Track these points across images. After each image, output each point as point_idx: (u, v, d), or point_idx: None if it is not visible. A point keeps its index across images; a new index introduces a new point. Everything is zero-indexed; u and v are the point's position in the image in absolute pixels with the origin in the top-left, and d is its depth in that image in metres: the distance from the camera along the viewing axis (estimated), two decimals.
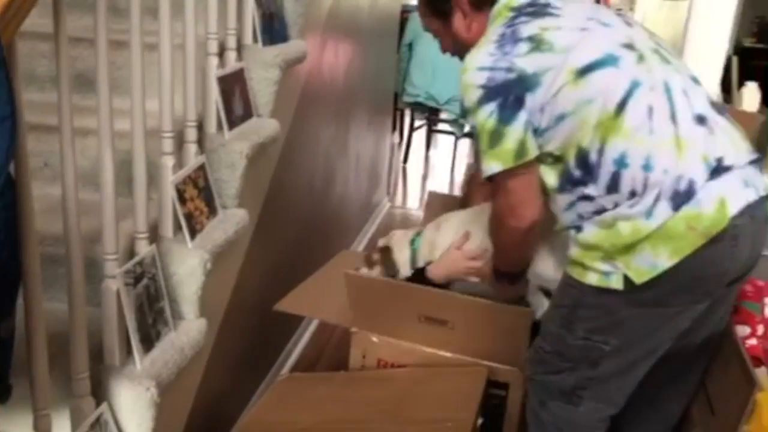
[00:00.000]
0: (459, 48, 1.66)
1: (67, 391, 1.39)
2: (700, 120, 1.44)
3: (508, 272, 1.78)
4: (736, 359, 1.56)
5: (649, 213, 1.39)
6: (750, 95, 2.64)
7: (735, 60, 2.83)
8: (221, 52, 1.95)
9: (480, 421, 1.82)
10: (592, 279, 1.46)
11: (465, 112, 1.52)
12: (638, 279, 1.41)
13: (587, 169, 1.45)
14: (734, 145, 1.46)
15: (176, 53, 1.71)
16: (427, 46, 5.32)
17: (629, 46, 1.46)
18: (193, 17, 1.75)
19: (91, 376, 1.39)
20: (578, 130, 1.43)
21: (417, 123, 5.97)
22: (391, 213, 4.54)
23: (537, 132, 1.46)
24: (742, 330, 1.72)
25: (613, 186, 1.42)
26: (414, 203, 5.00)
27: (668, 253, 1.39)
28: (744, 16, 5.29)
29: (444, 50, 1.75)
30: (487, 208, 2.03)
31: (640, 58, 1.45)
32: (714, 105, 1.53)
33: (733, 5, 2.60)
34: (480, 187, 2.11)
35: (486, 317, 1.82)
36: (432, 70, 5.32)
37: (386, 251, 2.02)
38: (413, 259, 2.01)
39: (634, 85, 1.41)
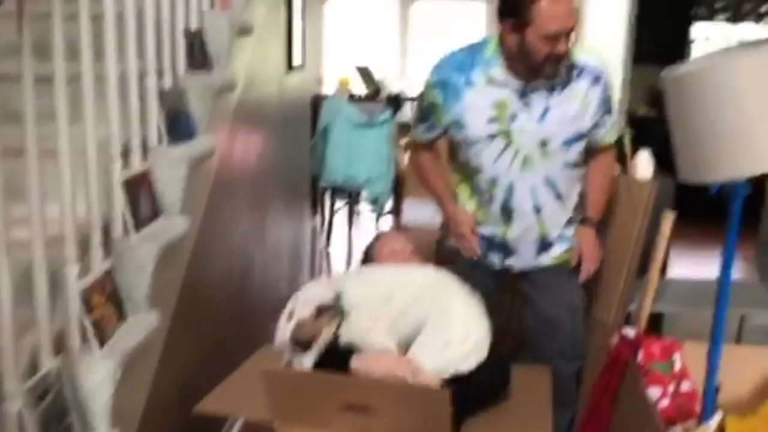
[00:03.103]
0: None
1: None
2: None
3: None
4: (650, 425, 1.60)
5: None
6: (643, 163, 2.80)
7: (627, 131, 3.02)
8: (126, 154, 1.95)
9: None
10: None
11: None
12: None
13: None
14: None
15: (79, 158, 1.70)
16: (342, 130, 5.44)
17: None
18: (93, 121, 1.75)
19: None
20: None
21: (338, 205, 6.02)
22: None
23: None
24: (654, 392, 1.78)
25: None
26: None
27: None
28: (636, 86, 5.65)
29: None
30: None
31: None
32: None
33: (618, 82, 2.78)
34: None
35: (406, 400, 1.82)
36: (348, 152, 5.43)
37: (323, 310, 1.94)
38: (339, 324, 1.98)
39: None
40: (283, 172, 3.79)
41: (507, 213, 2.25)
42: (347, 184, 5.50)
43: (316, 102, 5.43)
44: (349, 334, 1.99)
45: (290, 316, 1.94)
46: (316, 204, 5.97)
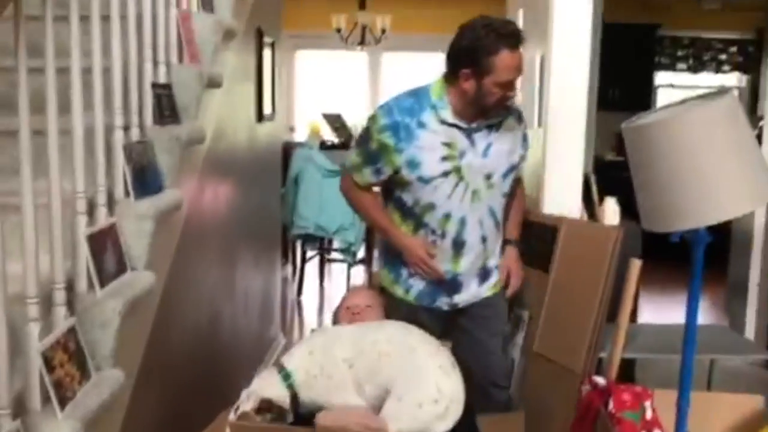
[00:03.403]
0: None
1: None
2: None
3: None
4: None
5: None
6: (610, 210, 2.84)
7: (593, 178, 3.06)
8: (91, 209, 1.93)
9: None
10: None
11: None
12: None
13: None
14: None
15: (43, 213, 1.68)
16: (313, 178, 5.45)
17: None
18: (58, 175, 1.73)
19: None
20: None
21: (309, 254, 6.00)
22: (287, 349, 4.46)
23: None
24: None
25: None
26: None
27: None
28: (602, 132, 5.76)
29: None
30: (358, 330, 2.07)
31: None
32: None
33: (581, 130, 2.84)
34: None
35: None
36: (319, 201, 5.43)
37: (268, 404, 1.94)
38: (295, 397, 1.97)
39: None
40: (254, 221, 3.78)
41: (458, 247, 2.37)
42: (318, 233, 5.49)
43: (287, 150, 5.44)
44: (308, 398, 1.98)
45: (236, 408, 1.96)
46: (287, 253, 5.94)
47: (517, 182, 2.51)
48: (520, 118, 2.44)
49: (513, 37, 2.18)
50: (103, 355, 1.80)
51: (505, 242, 2.50)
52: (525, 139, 2.47)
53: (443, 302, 2.44)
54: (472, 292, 2.45)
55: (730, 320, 4.51)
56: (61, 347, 1.66)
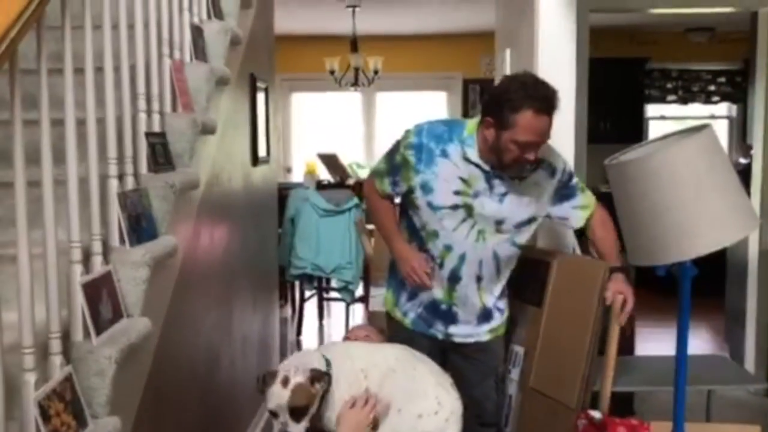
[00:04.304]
0: None
1: None
2: None
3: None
4: None
5: None
6: None
7: None
8: (87, 257, 1.95)
9: None
10: None
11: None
12: None
13: None
14: None
15: (38, 263, 1.70)
16: (309, 218, 5.49)
17: None
18: (54, 226, 1.76)
19: None
20: None
21: (307, 294, 6.00)
22: None
23: None
24: None
25: None
26: None
27: None
28: (594, 164, 5.80)
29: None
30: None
31: None
32: None
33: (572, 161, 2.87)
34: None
35: None
36: (316, 241, 5.46)
37: (318, 374, 1.96)
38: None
39: None
40: (251, 264, 3.80)
41: (453, 281, 2.40)
42: (316, 272, 5.51)
43: (283, 191, 5.49)
44: (331, 402, 2.02)
45: (286, 381, 1.96)
46: (285, 294, 5.95)
47: (591, 216, 2.43)
48: (553, 173, 2.37)
49: (542, 101, 2.12)
50: (99, 403, 1.81)
51: (612, 270, 2.36)
52: (559, 191, 2.40)
53: (438, 330, 2.47)
54: (470, 329, 2.46)
55: (730, 350, 4.50)
56: (57, 396, 1.67)
